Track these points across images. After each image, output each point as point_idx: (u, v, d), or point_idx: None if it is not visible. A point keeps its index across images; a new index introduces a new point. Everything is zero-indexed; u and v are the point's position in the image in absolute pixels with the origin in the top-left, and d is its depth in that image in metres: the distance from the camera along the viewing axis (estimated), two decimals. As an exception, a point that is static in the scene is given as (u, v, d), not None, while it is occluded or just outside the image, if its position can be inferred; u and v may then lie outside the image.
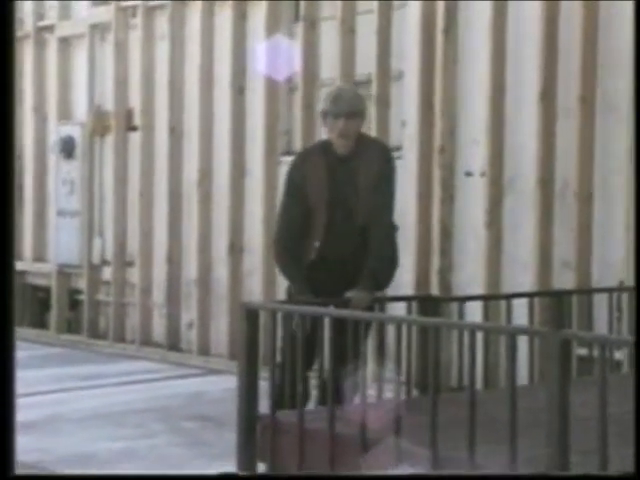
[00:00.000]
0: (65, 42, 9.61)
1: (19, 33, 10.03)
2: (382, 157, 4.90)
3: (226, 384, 7.03)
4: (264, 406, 4.21)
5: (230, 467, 4.28)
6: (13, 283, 3.17)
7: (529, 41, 6.38)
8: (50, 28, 9.71)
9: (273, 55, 4.68)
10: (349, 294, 4.69)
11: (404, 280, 6.97)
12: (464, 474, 3.43)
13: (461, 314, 4.86)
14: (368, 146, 4.90)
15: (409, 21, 7.04)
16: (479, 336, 3.79)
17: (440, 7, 6.76)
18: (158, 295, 8.77)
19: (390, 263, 5.02)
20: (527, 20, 6.42)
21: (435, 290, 6.70)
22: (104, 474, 4.80)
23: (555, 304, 5.25)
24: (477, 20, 6.67)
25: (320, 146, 5.04)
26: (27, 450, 5.48)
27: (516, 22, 6.49)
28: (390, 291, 7.05)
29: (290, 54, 3.91)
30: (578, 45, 6.12)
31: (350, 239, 4.84)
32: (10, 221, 3.18)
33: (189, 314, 8.50)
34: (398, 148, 7.17)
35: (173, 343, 8.63)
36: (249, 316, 4.17)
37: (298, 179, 4.85)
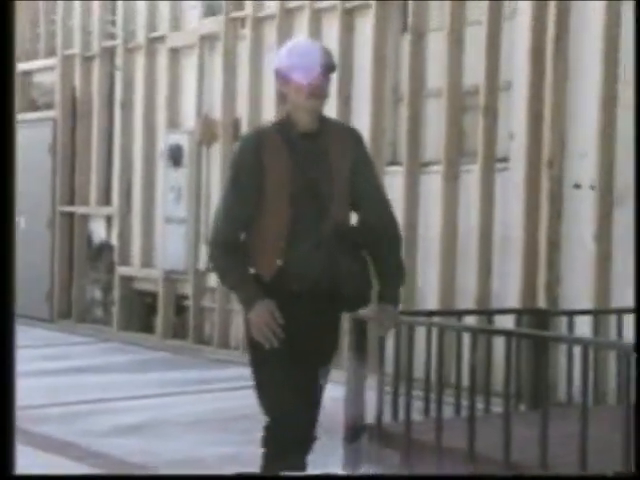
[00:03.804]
0: (175, 52, 9.79)
1: (131, 44, 10.28)
2: (354, 137, 3.86)
3: (330, 392, 7.05)
4: (370, 415, 4.22)
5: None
6: (14, 287, 3.21)
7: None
8: (161, 39, 9.91)
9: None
10: (372, 309, 3.76)
11: (510, 292, 6.91)
12: (464, 475, 3.36)
13: (570, 328, 4.79)
14: (334, 124, 3.90)
15: (519, 31, 6.98)
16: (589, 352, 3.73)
17: (551, 16, 6.69)
18: (262, 303, 8.83)
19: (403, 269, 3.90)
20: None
21: (541, 303, 6.61)
22: (105, 474, 4.82)
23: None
24: (589, 29, 6.57)
25: (276, 124, 3.84)
26: (132, 452, 5.59)
27: (628, 34, 6.37)
28: (495, 303, 7.03)
29: (313, 63, 3.62)
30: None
31: (325, 245, 3.68)
32: (10, 216, 3.20)
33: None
34: (505, 160, 7.12)
35: (276, 350, 8.68)
36: (356, 326, 4.18)
37: (250, 167, 3.71)
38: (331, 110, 8.25)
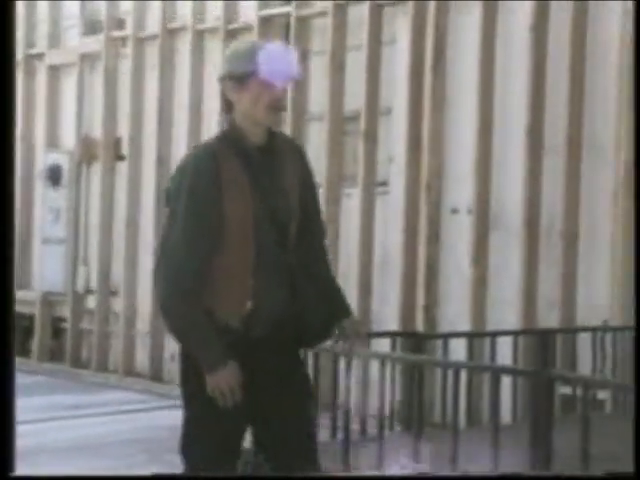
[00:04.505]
0: (55, 70, 9.62)
1: (9, 60, 10.07)
2: (301, 153, 3.42)
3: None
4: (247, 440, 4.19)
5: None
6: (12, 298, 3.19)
7: (517, 79, 6.43)
8: (40, 56, 9.72)
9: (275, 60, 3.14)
10: (343, 327, 3.34)
11: (388, 315, 6.97)
12: (464, 474, 3.37)
13: (445, 351, 4.86)
14: (281, 137, 3.42)
15: (398, 57, 7.09)
16: (463, 374, 3.79)
17: (429, 44, 6.81)
18: (142, 325, 8.73)
19: None
20: (515, 58, 6.47)
21: (420, 326, 6.69)
22: (103, 474, 4.73)
23: (539, 343, 5.25)
24: (465, 58, 6.71)
25: (222, 137, 3.28)
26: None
27: (504, 60, 6.54)
28: (375, 326, 7.08)
29: (289, 65, 3.15)
30: (565, 85, 6.17)
31: (289, 277, 3.23)
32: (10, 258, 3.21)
33: (173, 344, 8.45)
34: (385, 184, 7.20)
35: (156, 374, 8.58)
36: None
37: (209, 190, 3.16)
38: (214, 131, 8.23)
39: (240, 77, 3.19)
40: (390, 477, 3.60)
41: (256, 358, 3.13)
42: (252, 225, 3.16)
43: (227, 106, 3.25)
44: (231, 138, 3.22)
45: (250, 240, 3.15)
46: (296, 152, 3.36)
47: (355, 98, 7.26)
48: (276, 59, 3.17)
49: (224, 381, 3.08)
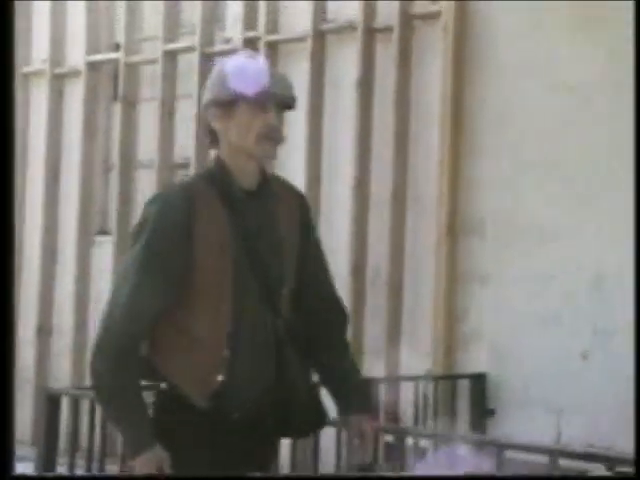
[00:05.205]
0: None
1: None
2: (301, 199, 2.95)
3: (27, 471, 6.73)
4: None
5: None
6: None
7: (344, 134, 6.54)
8: None
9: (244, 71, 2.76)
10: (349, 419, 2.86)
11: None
12: (463, 474, 3.29)
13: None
14: (277, 180, 2.94)
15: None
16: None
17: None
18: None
19: None
20: (342, 112, 6.58)
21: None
22: (104, 474, 4.51)
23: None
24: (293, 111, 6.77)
25: (206, 176, 2.81)
26: None
27: (332, 113, 6.64)
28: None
29: (260, 71, 2.77)
30: (391, 139, 6.31)
31: (274, 349, 2.71)
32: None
33: None
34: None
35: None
36: (50, 402, 4.04)
37: (176, 238, 2.66)
38: (39, 178, 8.03)
39: (226, 102, 2.71)
40: (390, 477, 3.52)
41: (226, 446, 2.61)
42: (231, 283, 2.64)
43: (212, 138, 2.79)
44: (215, 177, 2.73)
45: (227, 300, 2.64)
46: (296, 201, 2.88)
47: (185, 146, 7.23)
48: (245, 70, 2.72)
49: (146, 468, 2.58)
